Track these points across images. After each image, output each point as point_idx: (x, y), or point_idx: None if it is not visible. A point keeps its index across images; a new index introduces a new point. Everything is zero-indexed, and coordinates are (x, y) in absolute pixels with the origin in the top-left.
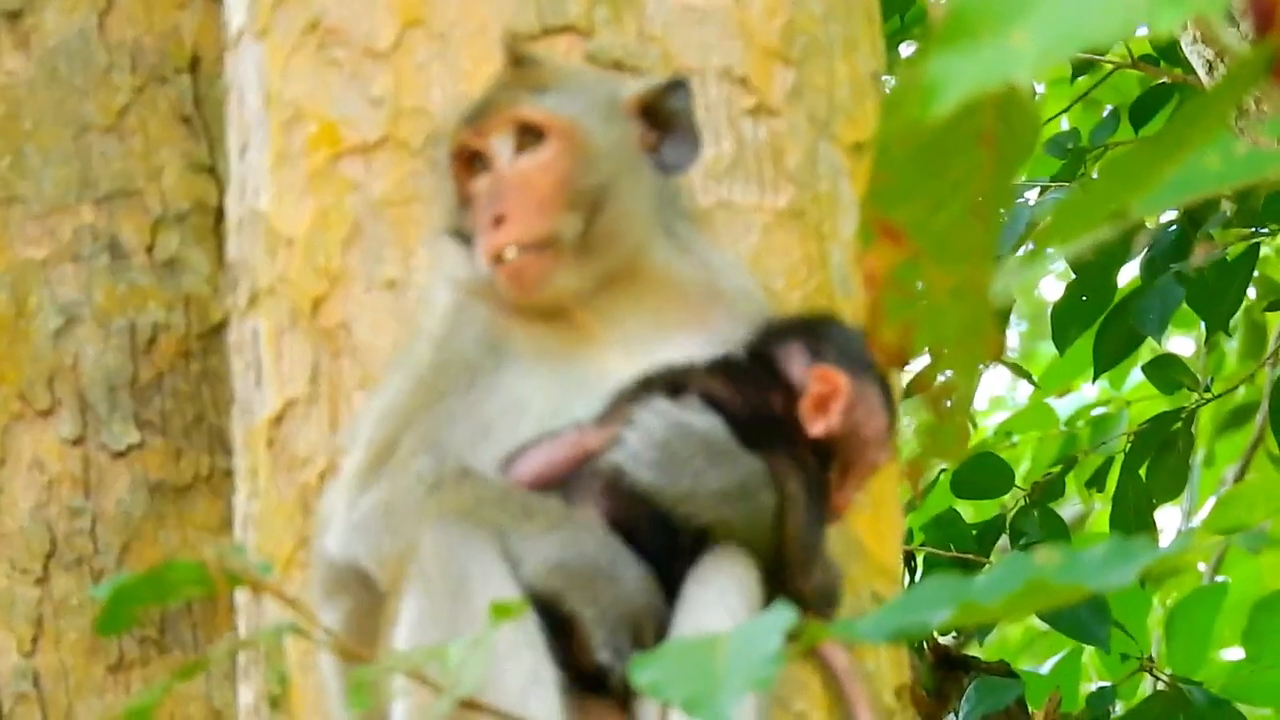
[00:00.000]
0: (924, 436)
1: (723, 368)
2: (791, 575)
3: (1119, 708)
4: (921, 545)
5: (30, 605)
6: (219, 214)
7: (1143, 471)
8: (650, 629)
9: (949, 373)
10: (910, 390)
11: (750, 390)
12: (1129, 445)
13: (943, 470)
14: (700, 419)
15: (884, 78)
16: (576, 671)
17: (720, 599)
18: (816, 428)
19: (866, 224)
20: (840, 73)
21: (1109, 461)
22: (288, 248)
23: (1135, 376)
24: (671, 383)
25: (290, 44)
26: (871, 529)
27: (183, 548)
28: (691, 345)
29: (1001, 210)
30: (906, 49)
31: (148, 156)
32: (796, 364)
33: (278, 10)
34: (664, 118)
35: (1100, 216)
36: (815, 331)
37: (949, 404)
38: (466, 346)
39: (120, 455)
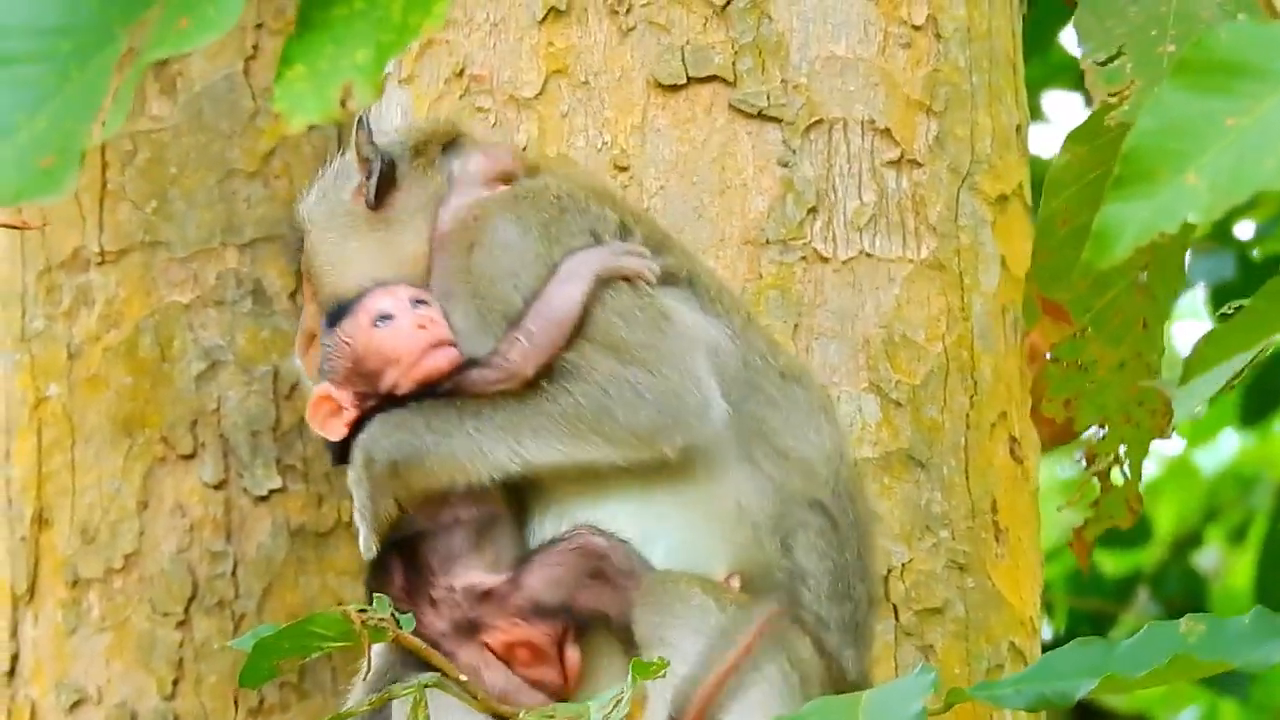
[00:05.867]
0: (1093, 507)
1: None
2: None
3: None
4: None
5: (171, 648)
6: None
7: None
8: None
9: (1120, 445)
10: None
11: None
12: (1277, 499)
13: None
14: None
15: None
16: None
17: None
18: (338, 427)
19: (1030, 302)
20: (983, 124)
21: (1251, 515)
22: None
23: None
24: None
25: (435, 91)
26: (1009, 581)
27: (323, 592)
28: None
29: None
30: (1048, 97)
31: (292, 201)
32: None
33: (423, 57)
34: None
35: (1248, 344)
36: None
37: (1116, 475)
38: None
39: (262, 500)
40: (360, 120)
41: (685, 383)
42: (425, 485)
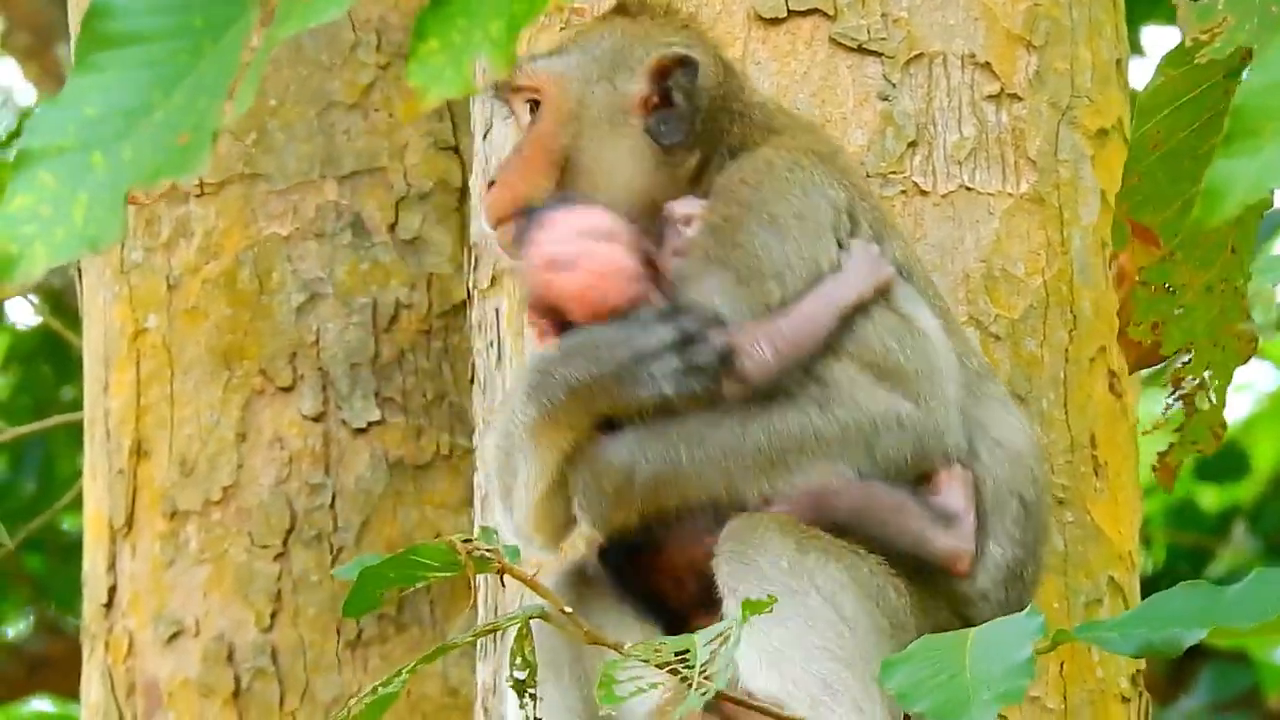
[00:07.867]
0: (1178, 432)
1: None
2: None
3: None
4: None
5: (269, 581)
6: (462, 193)
7: None
8: None
9: (1205, 370)
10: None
11: None
12: None
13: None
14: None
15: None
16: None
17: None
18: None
19: (1119, 225)
20: (1083, 58)
21: None
22: None
23: None
24: None
25: (535, 24)
26: (1109, 516)
27: (421, 525)
28: None
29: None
30: (1147, 31)
31: (391, 134)
32: None
33: None
34: (669, 88)
35: None
36: None
37: (1202, 400)
38: None
39: (361, 432)
40: (686, 59)
41: (945, 414)
42: (675, 501)
